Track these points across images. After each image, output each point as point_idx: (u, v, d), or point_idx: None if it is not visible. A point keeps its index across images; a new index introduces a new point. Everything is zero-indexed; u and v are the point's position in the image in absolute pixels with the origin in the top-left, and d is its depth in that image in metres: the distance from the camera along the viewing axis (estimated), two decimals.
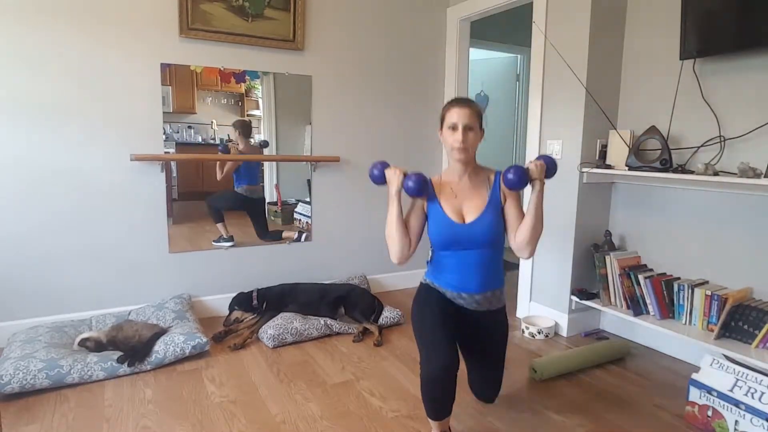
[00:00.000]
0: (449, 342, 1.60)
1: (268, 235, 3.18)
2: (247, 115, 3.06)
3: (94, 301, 2.74)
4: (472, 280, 1.71)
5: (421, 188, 1.70)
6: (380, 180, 1.77)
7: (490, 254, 1.71)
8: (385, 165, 1.77)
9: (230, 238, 3.06)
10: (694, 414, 1.93)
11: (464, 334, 1.81)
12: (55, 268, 2.62)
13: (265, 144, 3.07)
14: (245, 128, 3.02)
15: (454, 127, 1.64)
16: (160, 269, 2.88)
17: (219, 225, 3.05)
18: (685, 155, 2.41)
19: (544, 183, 1.66)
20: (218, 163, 2.99)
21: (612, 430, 1.90)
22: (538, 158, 1.70)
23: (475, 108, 1.67)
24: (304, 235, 3.27)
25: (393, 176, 1.72)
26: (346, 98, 3.30)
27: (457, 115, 1.64)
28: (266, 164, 3.19)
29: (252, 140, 3.07)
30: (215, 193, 3.03)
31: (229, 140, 2.99)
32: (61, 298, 2.66)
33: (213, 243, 3.02)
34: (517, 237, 1.68)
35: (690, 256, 2.46)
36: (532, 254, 1.68)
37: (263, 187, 3.17)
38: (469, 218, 1.69)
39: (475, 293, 1.72)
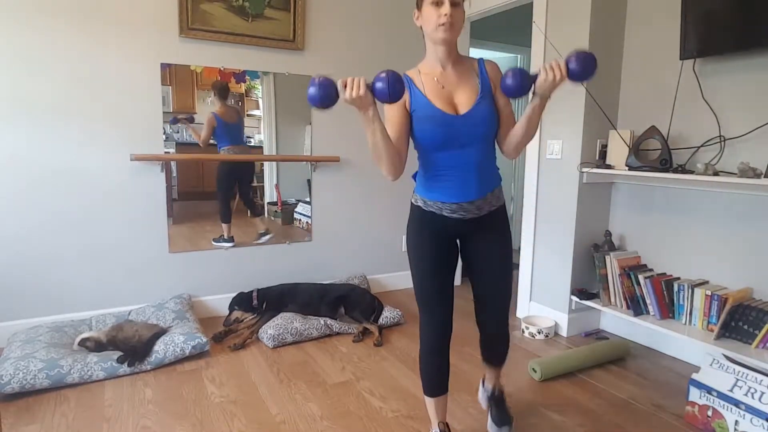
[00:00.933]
0: (444, 309, 1.59)
1: (250, 201, 3.12)
2: (247, 115, 3.06)
3: (94, 301, 2.74)
4: (471, 185, 1.51)
5: (398, 89, 1.28)
6: (326, 101, 1.26)
7: (486, 151, 1.53)
8: (329, 80, 1.26)
9: (231, 239, 3.06)
10: (694, 414, 1.93)
11: (466, 253, 1.66)
12: (55, 268, 2.63)
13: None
14: (222, 90, 2.94)
15: (438, 2, 1.40)
16: (160, 269, 2.88)
17: (224, 225, 3.04)
18: (685, 155, 2.41)
19: (546, 100, 1.41)
20: (193, 133, 2.93)
21: (612, 430, 1.90)
22: (569, 59, 1.35)
23: None
24: (269, 237, 3.17)
25: (356, 94, 1.27)
26: None
27: None
28: (266, 164, 3.19)
29: (229, 102, 2.98)
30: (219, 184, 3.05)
31: (182, 119, 2.87)
32: (61, 298, 2.66)
33: (213, 242, 3.02)
34: (507, 142, 1.53)
35: (690, 256, 2.46)
36: (517, 156, 1.59)
37: (249, 148, 3.10)
38: (463, 109, 1.47)
39: (475, 199, 1.53)
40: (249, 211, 3.14)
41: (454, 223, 1.56)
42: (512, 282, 1.68)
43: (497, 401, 1.85)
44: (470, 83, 1.50)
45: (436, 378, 1.65)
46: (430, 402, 1.68)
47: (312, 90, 1.25)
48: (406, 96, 1.46)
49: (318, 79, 1.25)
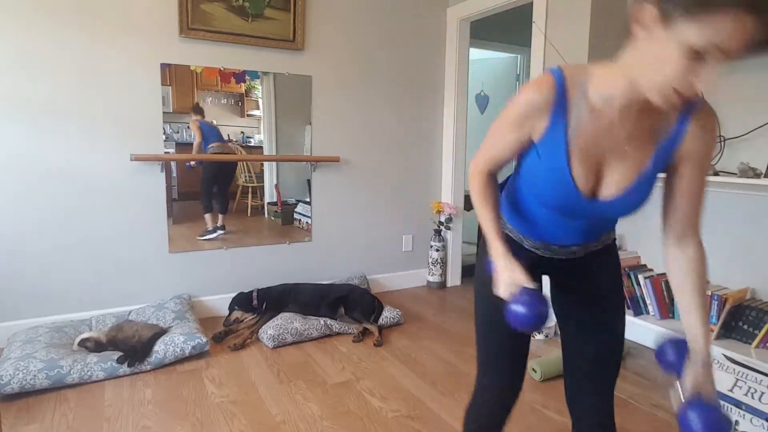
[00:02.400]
0: (519, 372, 1.19)
1: (226, 208, 3.10)
2: (247, 115, 3.07)
3: (94, 301, 2.74)
4: (570, 238, 1.06)
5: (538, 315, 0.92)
6: (538, 322, 0.92)
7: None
8: (534, 296, 0.93)
9: (214, 230, 3.02)
10: None
11: (555, 296, 1.20)
12: (55, 268, 2.62)
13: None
14: (196, 109, 2.93)
15: (722, 51, 0.71)
16: (160, 269, 2.88)
17: (207, 216, 3.01)
18: None
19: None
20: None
21: None
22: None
23: None
24: (216, 234, 3.09)
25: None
26: (346, 98, 3.30)
27: (744, 31, 0.70)
28: (266, 164, 3.19)
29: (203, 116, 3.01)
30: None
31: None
32: (61, 298, 2.66)
33: (198, 238, 2.98)
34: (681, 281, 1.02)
35: None
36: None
37: (231, 146, 3.06)
38: (610, 191, 0.93)
39: (571, 245, 1.08)
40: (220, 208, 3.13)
41: (537, 257, 1.12)
42: (623, 346, 1.15)
43: None
44: (645, 148, 0.90)
45: None
46: None
47: (521, 309, 0.92)
48: (538, 121, 0.91)
49: (525, 297, 0.92)
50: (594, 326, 1.11)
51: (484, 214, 1.05)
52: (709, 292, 2.23)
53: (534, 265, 1.10)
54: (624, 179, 0.91)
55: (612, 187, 0.92)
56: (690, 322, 0.99)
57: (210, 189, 3.04)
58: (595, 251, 1.12)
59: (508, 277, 0.96)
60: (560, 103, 0.87)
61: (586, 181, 0.92)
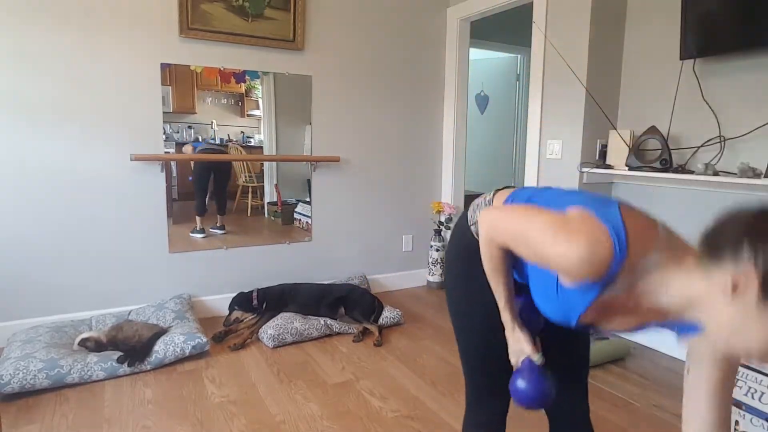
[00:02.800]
0: (506, 390, 1.12)
1: (224, 209, 3.11)
2: (247, 115, 3.07)
3: (94, 301, 2.74)
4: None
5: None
6: (543, 400, 0.97)
7: None
8: (537, 372, 0.96)
9: (201, 230, 3.03)
10: None
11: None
12: (55, 268, 2.62)
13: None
14: (195, 140, 2.99)
15: None
16: (160, 269, 2.88)
17: (198, 218, 3.02)
18: (685, 155, 2.41)
19: None
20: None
21: (612, 430, 1.90)
22: None
23: None
24: (211, 233, 3.12)
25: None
26: (346, 98, 3.30)
27: None
28: (266, 164, 3.19)
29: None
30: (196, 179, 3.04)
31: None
32: (61, 298, 2.66)
33: (189, 234, 2.99)
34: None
35: None
36: None
37: (221, 146, 3.04)
38: (608, 329, 0.92)
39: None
40: (218, 208, 3.12)
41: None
42: (590, 341, 1.20)
43: None
44: (648, 316, 0.85)
45: None
46: None
47: (521, 385, 0.92)
48: (573, 280, 0.82)
49: (527, 374, 0.93)
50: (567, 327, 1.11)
51: (497, 283, 1.00)
52: None
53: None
54: (625, 326, 0.89)
55: (611, 327, 0.90)
56: None
57: (203, 187, 3.04)
58: None
59: (514, 347, 1.00)
60: (605, 281, 0.78)
61: (589, 322, 0.90)
